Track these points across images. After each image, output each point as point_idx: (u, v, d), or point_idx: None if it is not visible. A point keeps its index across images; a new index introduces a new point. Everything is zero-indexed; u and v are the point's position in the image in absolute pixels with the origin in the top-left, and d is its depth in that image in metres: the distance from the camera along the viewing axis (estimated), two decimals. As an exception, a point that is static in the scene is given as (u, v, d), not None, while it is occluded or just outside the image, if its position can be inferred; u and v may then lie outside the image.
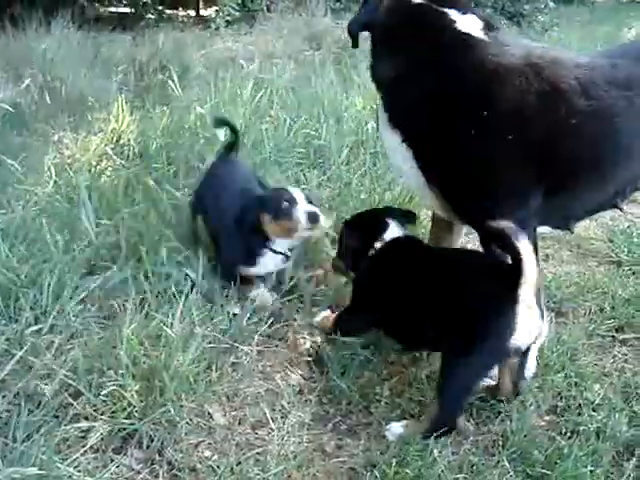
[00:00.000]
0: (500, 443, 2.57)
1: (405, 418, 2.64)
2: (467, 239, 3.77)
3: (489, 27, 2.77)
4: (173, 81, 5.79)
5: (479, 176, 2.70)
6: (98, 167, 4.52)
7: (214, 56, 7.77)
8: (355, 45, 3.03)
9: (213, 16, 9.71)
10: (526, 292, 2.36)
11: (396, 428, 2.55)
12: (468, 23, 2.74)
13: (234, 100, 5.35)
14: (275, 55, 8.03)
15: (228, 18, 9.38)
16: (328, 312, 3.12)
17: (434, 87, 2.69)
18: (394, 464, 2.35)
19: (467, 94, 2.66)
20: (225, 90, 5.60)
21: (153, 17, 9.52)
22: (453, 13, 2.74)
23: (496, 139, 2.64)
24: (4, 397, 2.44)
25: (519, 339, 2.41)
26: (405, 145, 2.81)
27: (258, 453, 2.42)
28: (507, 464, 2.46)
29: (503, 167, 2.68)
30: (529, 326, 2.42)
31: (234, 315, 2.95)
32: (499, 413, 2.72)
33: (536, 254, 2.47)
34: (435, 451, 2.42)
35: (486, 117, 2.62)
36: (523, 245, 2.33)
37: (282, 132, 4.85)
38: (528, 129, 2.63)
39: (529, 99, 2.62)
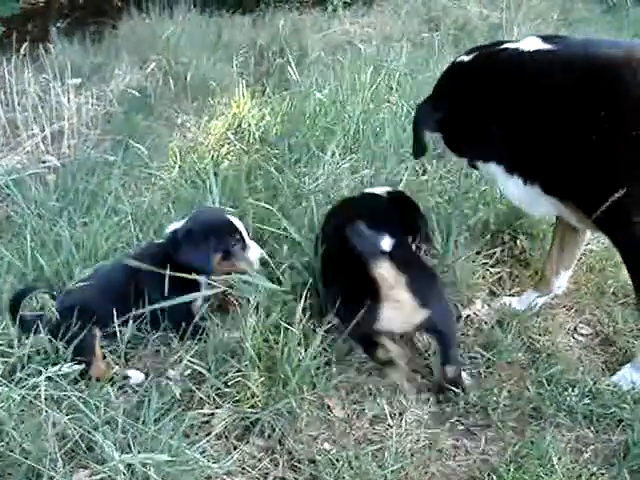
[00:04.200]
0: (621, 454, 2.51)
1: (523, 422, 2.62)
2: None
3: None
4: (292, 66, 5.83)
5: (611, 177, 2.65)
6: (220, 151, 4.64)
7: (332, 39, 7.77)
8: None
9: (331, -3, 9.69)
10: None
11: None
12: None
13: (353, 86, 5.35)
14: (393, 37, 7.96)
15: (346, -1, 9.34)
16: None
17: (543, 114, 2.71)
18: (512, 470, 2.34)
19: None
20: (344, 75, 5.61)
21: (273, -2, 9.56)
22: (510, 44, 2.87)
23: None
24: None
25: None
26: (529, 184, 2.84)
27: (376, 449, 2.45)
28: (627, 476, 2.40)
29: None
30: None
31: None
32: (620, 422, 2.65)
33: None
34: (554, 458, 2.39)
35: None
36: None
37: (401, 120, 4.82)
38: None
39: None
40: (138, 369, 2.72)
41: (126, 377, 2.64)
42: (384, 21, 8.79)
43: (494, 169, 2.93)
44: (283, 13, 8.46)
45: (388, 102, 5.34)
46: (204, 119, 5.27)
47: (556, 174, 2.75)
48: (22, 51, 5.41)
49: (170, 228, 3.03)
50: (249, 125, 4.98)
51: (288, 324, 2.57)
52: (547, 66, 2.72)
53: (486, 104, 2.85)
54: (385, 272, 2.55)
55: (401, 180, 3.89)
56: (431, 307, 2.61)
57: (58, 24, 7.32)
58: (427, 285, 2.69)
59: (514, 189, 2.91)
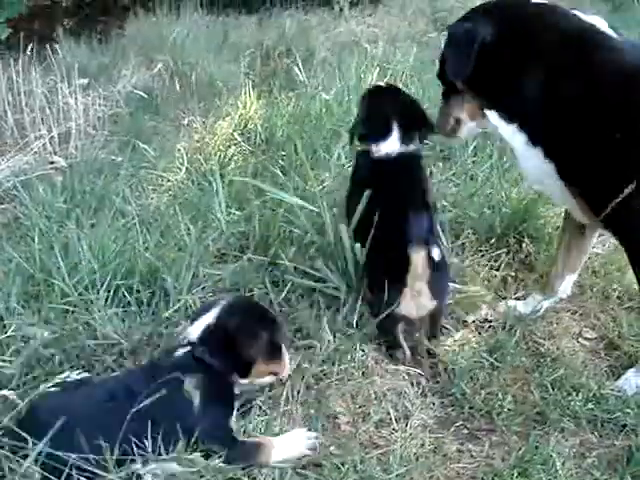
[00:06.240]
0: (625, 459, 2.51)
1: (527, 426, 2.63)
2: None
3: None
4: (298, 67, 5.83)
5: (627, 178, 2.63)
6: (227, 152, 4.64)
7: (338, 39, 7.79)
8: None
9: (337, -3, 9.66)
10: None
11: None
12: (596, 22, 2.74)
13: (359, 86, 5.34)
14: (399, 38, 7.96)
15: (352, -1, 9.32)
16: None
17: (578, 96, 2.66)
18: (516, 474, 2.35)
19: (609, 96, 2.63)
20: (350, 76, 5.60)
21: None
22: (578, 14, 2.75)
23: None
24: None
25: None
26: (547, 160, 2.78)
27: (381, 453, 2.45)
28: (631, 482, 2.41)
29: None
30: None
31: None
32: (624, 427, 2.66)
33: None
34: (558, 463, 2.40)
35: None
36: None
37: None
38: None
39: None
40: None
41: None
42: (390, 21, 8.81)
43: (511, 130, 2.87)
44: (289, 13, 8.46)
45: (395, 103, 5.31)
46: (210, 120, 5.26)
47: (565, 156, 2.75)
48: (29, 51, 5.43)
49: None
50: (255, 126, 4.98)
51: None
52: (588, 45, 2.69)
53: (519, 58, 2.77)
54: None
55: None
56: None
57: (65, 24, 7.32)
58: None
59: (523, 150, 2.87)
